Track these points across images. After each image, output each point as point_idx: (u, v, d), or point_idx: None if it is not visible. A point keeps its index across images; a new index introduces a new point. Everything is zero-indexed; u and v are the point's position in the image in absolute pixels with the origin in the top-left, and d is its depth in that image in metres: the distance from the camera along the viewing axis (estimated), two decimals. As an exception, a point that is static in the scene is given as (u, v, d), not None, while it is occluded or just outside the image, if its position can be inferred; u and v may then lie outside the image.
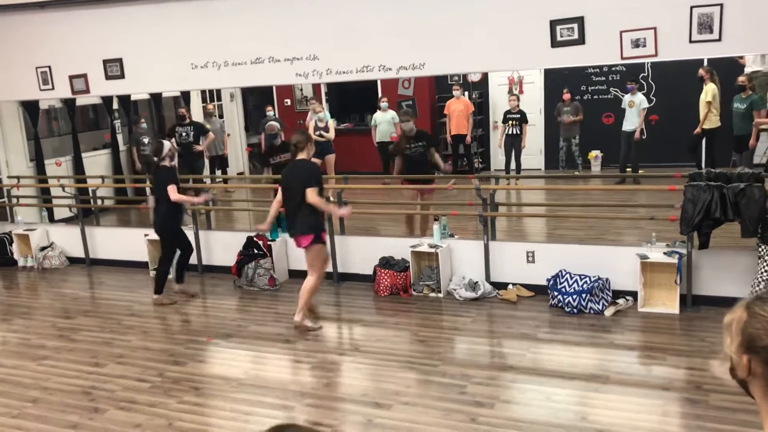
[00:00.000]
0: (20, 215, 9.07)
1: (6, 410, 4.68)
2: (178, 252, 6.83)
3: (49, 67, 7.86)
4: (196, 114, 12.18)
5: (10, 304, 7.23)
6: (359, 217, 8.19)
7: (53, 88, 7.95)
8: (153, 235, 7.87)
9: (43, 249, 8.46)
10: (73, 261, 8.50)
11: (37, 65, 7.90)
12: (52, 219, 9.48)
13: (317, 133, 10.51)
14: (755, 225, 5.13)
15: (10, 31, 7.93)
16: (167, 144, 6.64)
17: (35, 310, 6.92)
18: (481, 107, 12.49)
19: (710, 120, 9.48)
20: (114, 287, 7.48)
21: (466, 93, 12.07)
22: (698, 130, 9.27)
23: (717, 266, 5.69)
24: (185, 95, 11.88)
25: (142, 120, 11.06)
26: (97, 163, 10.93)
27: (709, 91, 9.40)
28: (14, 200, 9.18)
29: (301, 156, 5.69)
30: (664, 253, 5.78)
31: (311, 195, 5.52)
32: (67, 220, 9.21)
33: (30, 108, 9.64)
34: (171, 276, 6.95)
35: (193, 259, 7.76)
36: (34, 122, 9.78)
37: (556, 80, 11.53)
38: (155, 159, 6.57)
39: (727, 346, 1.43)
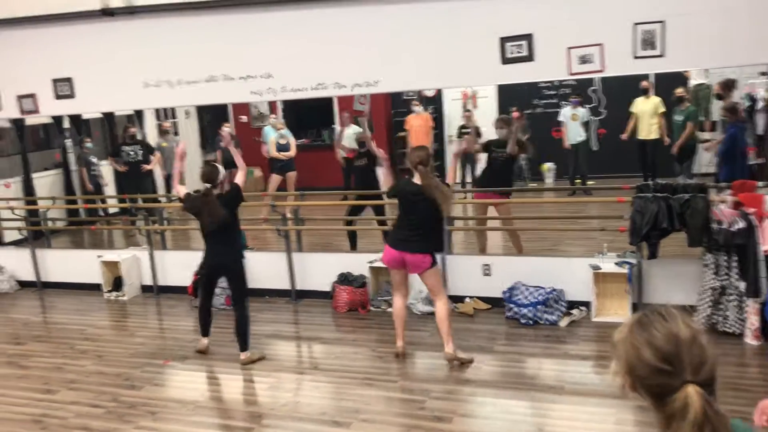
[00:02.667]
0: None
1: (-48, 442, 4.54)
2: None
3: (-4, 87, 7.70)
4: (151, 132, 12.05)
5: (-43, 331, 7.01)
6: (317, 233, 8.20)
7: (1, 109, 7.78)
8: (107, 257, 7.76)
9: (-9, 273, 8.24)
10: (23, 285, 8.28)
11: (-17, 85, 7.73)
12: (0, 242, 9.24)
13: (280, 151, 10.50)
14: (700, 234, 5.29)
15: (-45, 50, 7.75)
16: (222, 169, 5.65)
17: (-16, 337, 6.73)
18: (437, 122, 12.64)
19: (653, 131, 9.78)
20: (66, 311, 7.31)
21: (424, 108, 12.21)
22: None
23: (666, 275, 5.84)
24: (139, 113, 11.76)
25: (88, 139, 10.88)
26: (47, 183, 10.71)
27: (658, 103, 9.68)
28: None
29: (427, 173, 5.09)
30: (616, 264, 5.91)
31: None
32: (16, 243, 9.00)
33: (-23, 128, 9.43)
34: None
35: (148, 280, 7.67)
36: (-19, 143, 9.55)
37: (509, 95, 11.74)
38: (209, 185, 5.46)
39: (614, 367, 1.52)
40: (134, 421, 4.65)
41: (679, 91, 9.22)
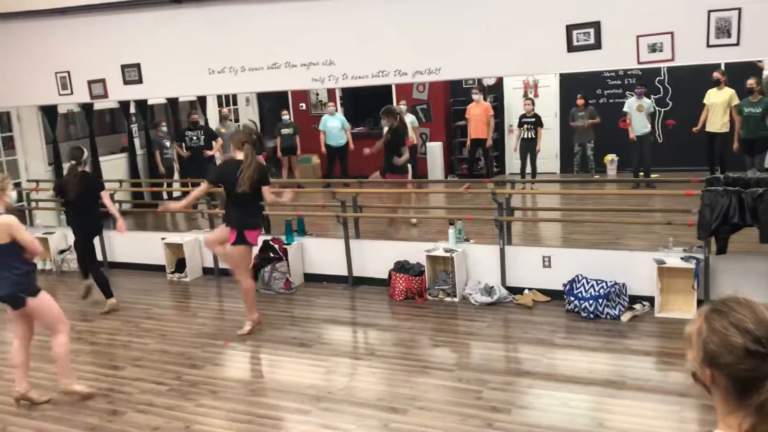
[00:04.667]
0: (39, 219, 9.17)
1: (26, 412, 4.74)
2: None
3: (68, 72, 7.94)
4: (212, 118, 12.29)
5: (29, 306, 7.31)
6: (374, 221, 8.22)
7: (72, 93, 8.02)
8: (171, 239, 7.98)
9: (61, 252, 8.54)
10: (91, 264, 8.55)
11: (56, 70, 7.98)
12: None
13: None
14: (774, 230, 5.09)
15: (31, 36, 8.03)
16: (86, 150, 6.90)
17: (54, 313, 6.98)
18: (496, 111, 12.50)
19: (725, 124, 9.43)
20: (132, 290, 7.54)
21: (483, 97, 12.09)
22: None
23: (735, 271, 5.65)
24: (201, 100, 12.01)
25: (163, 124, 11.17)
26: (114, 167, 11.04)
27: (732, 95, 9.33)
28: (33, 204, 9.28)
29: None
30: (681, 258, 5.75)
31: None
32: (85, 224, 9.28)
33: (49, 112, 9.77)
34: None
35: (209, 263, 7.84)
36: (53, 126, 9.90)
37: (571, 84, 11.51)
38: (74, 163, 6.54)
39: (690, 360, 1.48)
40: (196, 399, 4.77)
41: (751, 82, 8.87)
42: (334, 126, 11.77)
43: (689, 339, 1.48)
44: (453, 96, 12.62)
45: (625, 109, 10.53)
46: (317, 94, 13.42)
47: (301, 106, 13.75)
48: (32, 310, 4.63)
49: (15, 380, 4.81)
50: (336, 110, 12.09)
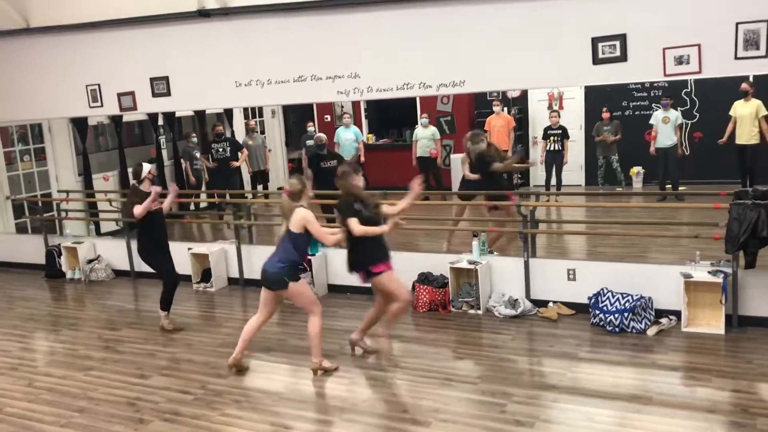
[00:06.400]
0: (68, 228, 9.32)
1: (55, 419, 4.81)
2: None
3: (99, 84, 8.09)
4: (239, 130, 12.43)
5: (58, 315, 7.43)
6: (398, 233, 8.22)
7: (102, 105, 8.17)
8: (197, 249, 8.06)
9: (90, 262, 8.67)
10: (118, 274, 8.68)
11: (87, 83, 8.14)
12: (98, 232, 9.74)
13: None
14: (804, 245, 5.02)
15: (63, 49, 8.20)
16: (147, 167, 6.47)
17: (82, 322, 7.10)
18: (521, 123, 12.47)
19: (754, 136, 9.34)
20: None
21: (506, 109, 12.07)
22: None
23: (764, 286, 5.57)
24: (228, 112, 12.15)
25: (193, 135, 11.31)
26: (142, 178, 11.19)
27: (759, 106, 9.24)
28: (63, 214, 9.45)
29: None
30: (709, 272, 5.68)
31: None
32: (113, 234, 9.44)
33: (79, 124, 9.97)
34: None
35: (234, 273, 7.91)
36: (83, 138, 10.09)
37: (597, 96, 11.46)
38: (134, 181, 6.49)
39: None
40: (220, 409, 4.81)
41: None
42: (348, 138, 11.76)
43: None
44: (477, 108, 12.62)
45: (651, 121, 10.47)
46: (342, 107, 13.51)
47: (326, 118, 13.84)
48: (291, 293, 5.21)
49: (235, 349, 5.41)
50: (351, 122, 12.11)
